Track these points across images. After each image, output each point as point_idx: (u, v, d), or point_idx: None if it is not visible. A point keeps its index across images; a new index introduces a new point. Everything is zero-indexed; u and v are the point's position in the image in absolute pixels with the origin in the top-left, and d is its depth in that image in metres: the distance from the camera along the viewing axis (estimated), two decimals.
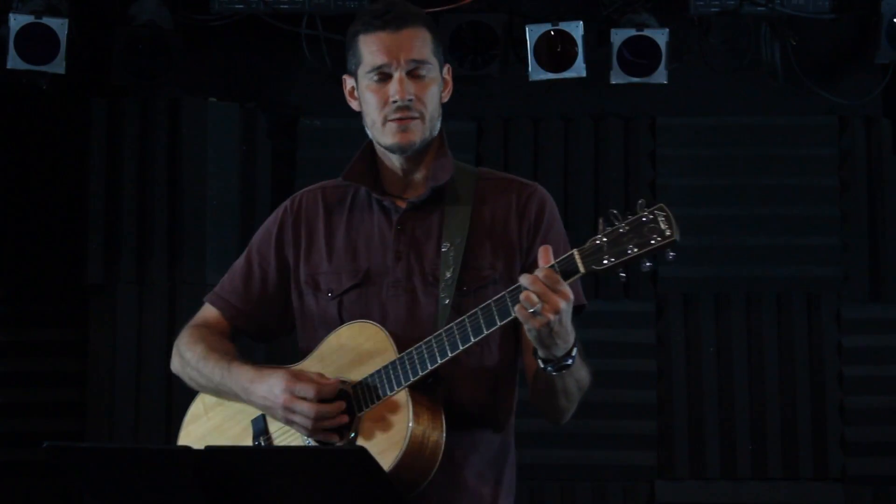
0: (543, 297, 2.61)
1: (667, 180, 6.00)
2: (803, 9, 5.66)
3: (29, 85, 5.67)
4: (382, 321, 2.90)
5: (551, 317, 2.62)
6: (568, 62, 5.58)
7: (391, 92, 2.91)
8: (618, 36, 5.60)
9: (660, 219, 2.59)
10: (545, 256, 2.67)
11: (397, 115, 2.92)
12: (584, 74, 5.60)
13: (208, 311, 3.19)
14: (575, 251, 2.66)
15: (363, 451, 2.54)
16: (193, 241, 5.87)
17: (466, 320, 2.75)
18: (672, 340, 5.96)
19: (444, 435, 2.80)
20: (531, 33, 5.59)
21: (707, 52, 5.90)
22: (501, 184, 3.02)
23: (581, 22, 5.59)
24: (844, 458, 5.84)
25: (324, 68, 5.89)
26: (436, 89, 2.95)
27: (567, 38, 5.58)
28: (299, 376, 2.87)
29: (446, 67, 3.02)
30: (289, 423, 2.88)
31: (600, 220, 2.64)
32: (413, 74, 2.92)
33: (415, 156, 2.98)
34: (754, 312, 5.95)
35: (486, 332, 2.74)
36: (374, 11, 2.97)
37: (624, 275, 2.66)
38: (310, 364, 2.96)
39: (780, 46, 5.92)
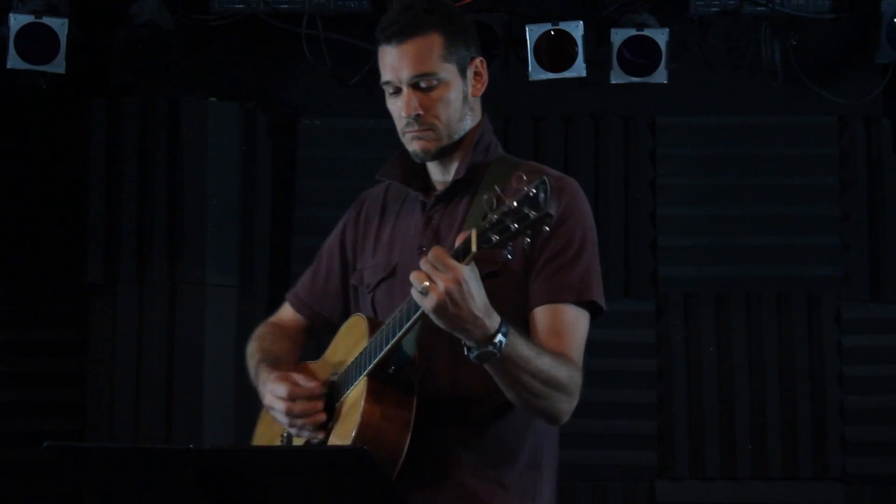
0: (432, 276, 2.56)
1: (667, 180, 6.01)
2: (803, 9, 5.66)
3: (29, 85, 5.67)
4: None
5: (437, 297, 2.55)
6: (568, 62, 5.58)
7: (400, 107, 2.92)
8: (618, 36, 5.60)
9: (540, 193, 2.49)
10: (460, 240, 2.60)
11: (409, 129, 2.93)
12: (584, 74, 5.60)
13: (284, 307, 3.29)
14: (473, 229, 2.57)
15: (363, 451, 2.54)
16: (193, 241, 5.86)
17: (404, 307, 2.73)
18: (672, 340, 5.96)
19: (411, 426, 2.76)
20: (531, 33, 5.59)
21: (707, 52, 5.90)
22: (530, 175, 2.94)
23: (581, 22, 5.59)
24: (844, 458, 5.84)
25: (324, 68, 5.89)
26: (450, 95, 2.91)
27: (567, 38, 5.58)
28: (282, 378, 2.93)
29: (477, 61, 2.97)
30: (279, 421, 2.96)
31: (488, 197, 2.56)
32: (419, 87, 2.90)
33: (443, 157, 2.97)
34: (754, 312, 5.95)
35: (411, 320, 2.69)
36: (385, 21, 2.95)
37: (511, 256, 2.56)
38: (323, 360, 3.04)
39: (780, 46, 5.92)
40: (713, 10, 5.62)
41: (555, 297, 2.84)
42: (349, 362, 2.89)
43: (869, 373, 5.88)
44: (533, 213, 2.49)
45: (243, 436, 5.84)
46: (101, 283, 5.86)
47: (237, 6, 5.71)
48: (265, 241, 6.01)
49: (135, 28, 5.70)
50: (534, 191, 2.50)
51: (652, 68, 5.59)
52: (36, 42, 5.52)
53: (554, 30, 5.59)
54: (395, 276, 2.98)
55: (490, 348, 2.63)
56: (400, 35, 2.90)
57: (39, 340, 5.94)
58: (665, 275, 5.98)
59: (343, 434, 2.80)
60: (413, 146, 2.95)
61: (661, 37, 5.59)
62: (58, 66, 5.53)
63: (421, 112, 2.90)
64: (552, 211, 2.48)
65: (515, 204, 2.51)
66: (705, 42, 5.89)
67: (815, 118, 6.00)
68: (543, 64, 5.60)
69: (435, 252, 2.57)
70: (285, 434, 3.01)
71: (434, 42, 2.91)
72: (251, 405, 6.03)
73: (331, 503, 2.59)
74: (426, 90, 2.90)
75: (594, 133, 6.06)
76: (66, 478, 2.72)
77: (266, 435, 3.13)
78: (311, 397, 2.89)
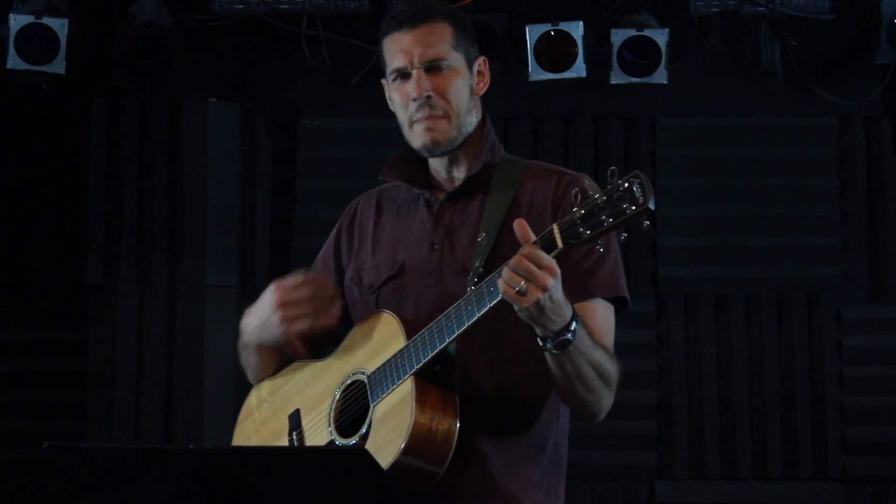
0: (530, 275, 2.57)
1: (667, 180, 6.00)
2: (803, 9, 5.66)
3: (29, 85, 5.67)
4: (415, 312, 2.90)
5: (540, 295, 2.57)
6: (568, 62, 5.58)
7: (410, 90, 2.91)
8: (618, 36, 5.60)
9: (634, 186, 2.51)
10: (523, 233, 2.62)
11: (420, 115, 2.92)
12: (584, 74, 5.60)
13: None
14: (554, 225, 2.59)
15: (363, 451, 2.54)
16: (193, 241, 5.86)
17: (462, 304, 2.73)
18: (672, 340, 5.96)
19: (458, 422, 2.77)
20: (531, 33, 5.59)
21: (707, 52, 5.90)
22: (545, 173, 2.97)
23: (581, 22, 5.59)
24: (844, 458, 5.84)
25: (324, 68, 5.89)
26: (460, 83, 2.93)
27: (567, 38, 5.58)
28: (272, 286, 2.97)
29: (480, 59, 3.00)
30: (283, 321, 2.95)
31: (576, 192, 2.58)
32: (431, 71, 2.91)
33: (453, 153, 2.97)
34: (754, 312, 5.95)
35: (477, 315, 2.70)
36: (394, 13, 2.98)
37: (601, 248, 2.61)
38: (334, 359, 3.00)
39: (780, 46, 5.92)
40: (713, 10, 5.62)
41: (587, 294, 2.86)
42: (381, 361, 2.86)
43: (869, 373, 5.87)
44: (631, 208, 2.51)
45: None
46: (101, 283, 5.86)
47: (237, 6, 5.71)
48: (265, 242, 6.01)
49: (135, 28, 5.70)
50: (626, 185, 2.52)
51: (652, 68, 5.60)
52: (36, 42, 5.52)
53: (554, 30, 5.59)
54: (404, 275, 2.96)
55: (568, 335, 2.66)
56: (412, 20, 2.93)
57: (39, 340, 5.94)
58: (665, 275, 5.98)
59: (394, 434, 2.77)
60: (422, 138, 2.93)
61: (661, 37, 5.59)
62: (58, 66, 5.53)
63: (432, 94, 2.90)
64: (651, 205, 2.51)
65: (605, 198, 2.53)
66: (705, 42, 5.89)
67: (815, 118, 6.00)
68: (543, 64, 5.60)
69: (529, 251, 2.58)
70: (296, 434, 2.97)
71: (444, 29, 2.94)
72: None
73: (331, 503, 2.59)
74: (438, 72, 2.91)
75: (594, 133, 6.06)
76: (66, 478, 2.71)
77: (258, 433, 3.07)
78: (296, 287, 2.92)
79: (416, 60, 2.91)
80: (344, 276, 3.10)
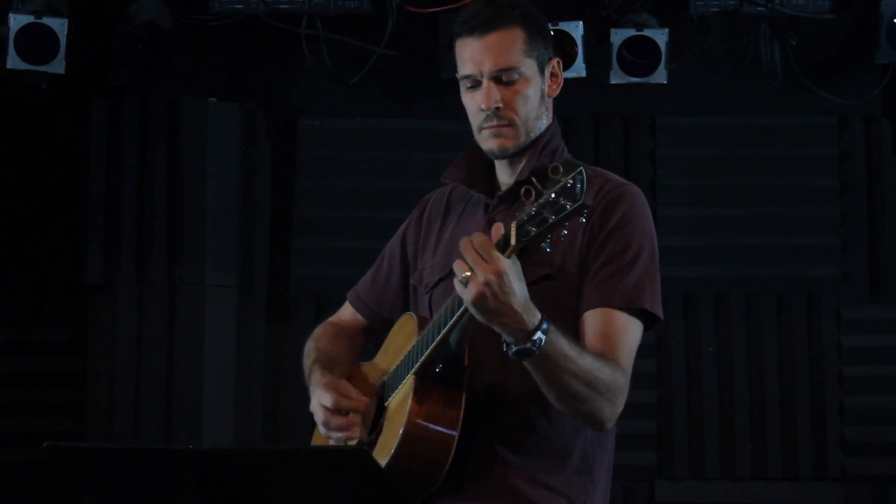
0: (473, 266, 2.54)
1: (667, 180, 6.01)
2: (803, 9, 5.66)
3: (29, 85, 5.67)
4: None
5: (480, 288, 2.53)
6: (568, 62, 5.58)
7: (479, 101, 2.90)
8: (618, 36, 5.60)
9: (577, 184, 2.49)
10: (496, 235, 2.59)
11: (487, 124, 2.90)
12: (584, 74, 5.60)
13: (344, 307, 3.28)
14: (513, 223, 2.56)
15: (363, 451, 2.55)
16: (193, 241, 5.86)
17: (449, 304, 2.73)
18: (672, 340, 5.96)
19: (459, 425, 2.75)
20: None
21: (707, 52, 5.90)
22: (590, 180, 2.87)
23: (581, 22, 5.59)
24: (844, 458, 5.84)
25: (324, 68, 5.89)
26: (530, 91, 2.92)
27: (567, 38, 5.58)
28: (331, 386, 2.93)
29: (554, 61, 2.98)
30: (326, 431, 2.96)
31: (526, 189, 2.55)
32: (500, 81, 2.88)
33: (516, 157, 2.95)
34: (754, 312, 5.95)
35: (455, 316, 2.69)
36: (467, 13, 2.94)
37: (549, 249, 2.56)
38: (377, 360, 3.06)
39: (780, 46, 5.92)
40: (713, 10, 5.62)
41: (605, 302, 2.81)
42: (399, 362, 2.89)
43: (869, 373, 5.88)
44: (569, 204, 2.49)
45: (243, 436, 5.87)
46: (101, 283, 5.86)
47: (237, 6, 5.71)
48: (265, 241, 6.01)
49: (134, 28, 5.70)
50: (570, 181, 2.50)
51: (652, 68, 5.60)
52: (36, 42, 5.52)
53: (554, 30, 5.57)
54: (453, 277, 2.95)
55: (529, 345, 2.61)
56: (483, 27, 2.88)
57: (39, 340, 5.94)
58: (665, 275, 5.93)
59: (391, 433, 2.79)
60: (490, 143, 2.92)
61: (660, 37, 5.59)
62: (58, 66, 5.53)
63: (501, 105, 2.88)
64: (589, 201, 2.49)
65: (553, 195, 2.51)
66: (705, 42, 5.89)
67: (815, 118, 6.00)
68: None
69: (480, 240, 2.55)
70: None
71: (517, 36, 2.90)
72: (251, 405, 6.05)
73: (331, 503, 2.59)
74: (507, 84, 2.89)
75: (594, 133, 6.06)
76: (66, 478, 2.71)
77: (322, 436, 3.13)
78: (354, 411, 2.89)
79: (485, 70, 2.88)
80: (408, 268, 3.12)
